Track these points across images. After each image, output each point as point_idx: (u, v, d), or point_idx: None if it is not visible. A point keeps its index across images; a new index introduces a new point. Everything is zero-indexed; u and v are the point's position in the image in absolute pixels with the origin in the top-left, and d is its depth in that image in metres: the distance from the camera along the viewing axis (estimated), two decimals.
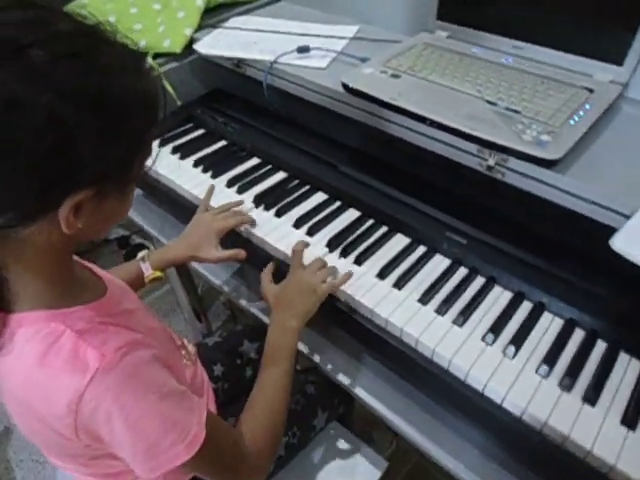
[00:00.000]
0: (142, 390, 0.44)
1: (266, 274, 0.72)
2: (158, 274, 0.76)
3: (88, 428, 0.43)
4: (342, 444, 0.80)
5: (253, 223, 0.80)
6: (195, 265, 0.90)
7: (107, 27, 0.42)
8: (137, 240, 1.91)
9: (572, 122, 0.68)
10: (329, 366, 0.77)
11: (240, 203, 0.82)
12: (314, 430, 0.79)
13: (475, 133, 0.67)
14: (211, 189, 0.83)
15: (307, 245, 0.73)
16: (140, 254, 0.78)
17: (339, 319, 0.73)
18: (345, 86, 0.80)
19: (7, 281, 0.43)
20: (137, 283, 0.75)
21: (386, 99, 0.74)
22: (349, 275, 0.70)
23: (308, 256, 0.73)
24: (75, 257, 0.54)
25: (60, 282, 0.46)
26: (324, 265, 0.70)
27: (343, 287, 0.69)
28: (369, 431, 1.17)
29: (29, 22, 0.36)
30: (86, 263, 0.56)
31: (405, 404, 0.71)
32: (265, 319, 0.85)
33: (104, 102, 0.38)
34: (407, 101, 0.73)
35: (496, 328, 0.64)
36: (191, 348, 0.70)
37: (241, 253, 0.74)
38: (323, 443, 0.80)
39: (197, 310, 1.48)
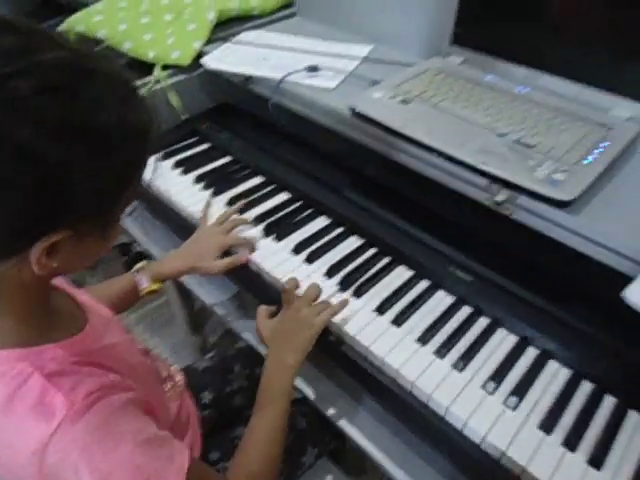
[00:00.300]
0: (112, 441, 0.41)
1: (262, 311, 0.69)
2: (154, 287, 0.73)
3: None
4: None
5: (253, 247, 0.77)
6: (191, 284, 0.88)
7: (96, 51, 0.40)
8: (138, 248, 1.89)
9: (587, 161, 0.65)
10: (321, 400, 0.74)
11: (245, 221, 0.80)
12: (302, 467, 0.75)
13: (485, 168, 0.64)
14: (207, 204, 0.81)
15: (298, 285, 0.70)
16: (137, 266, 0.75)
17: (333, 353, 0.70)
18: (353, 110, 0.77)
19: None
20: (132, 296, 0.73)
21: (394, 126, 0.72)
22: (344, 303, 0.67)
23: (306, 285, 0.70)
24: (58, 282, 0.51)
25: (31, 319, 0.43)
26: (318, 293, 0.68)
27: (340, 322, 0.66)
28: (362, 462, 1.13)
29: (10, 50, 0.34)
30: (69, 290, 0.54)
31: (400, 448, 0.67)
32: (258, 347, 0.82)
33: (87, 138, 0.36)
34: (416, 130, 0.71)
35: (498, 375, 0.60)
36: (179, 378, 0.67)
37: (242, 258, 0.73)
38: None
39: (192, 323, 1.45)
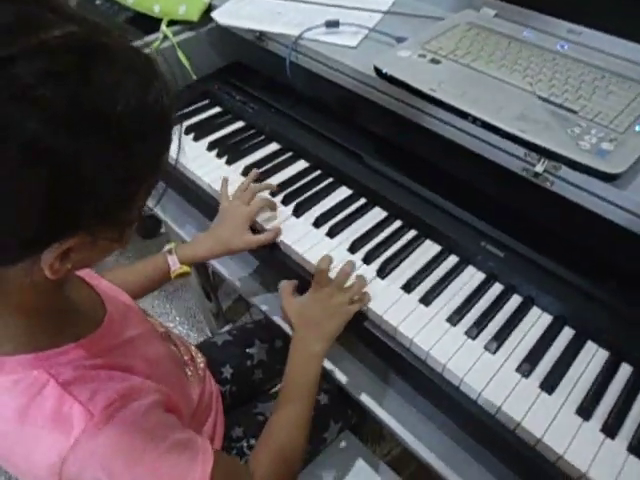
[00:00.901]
0: (135, 453, 0.39)
1: (286, 287, 0.66)
2: (186, 269, 0.70)
3: None
4: (353, 458, 0.76)
5: (274, 207, 0.74)
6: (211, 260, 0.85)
7: (108, 24, 0.33)
8: (149, 211, 1.86)
9: (638, 128, 0.59)
10: (343, 376, 0.72)
11: (264, 187, 0.76)
12: (324, 443, 0.75)
13: (525, 136, 0.59)
14: (225, 180, 0.77)
15: (332, 261, 0.66)
16: (166, 247, 0.72)
17: (355, 329, 0.67)
18: (378, 71, 0.71)
19: None
20: (163, 278, 0.70)
21: (425, 90, 0.66)
22: (362, 280, 0.64)
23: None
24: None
25: (45, 320, 0.40)
26: (350, 274, 0.64)
27: (367, 301, 0.63)
28: (378, 429, 1.14)
29: (9, 27, 0.29)
30: (91, 277, 0.50)
31: (426, 426, 0.66)
32: (278, 320, 0.80)
33: (103, 129, 0.31)
34: (448, 93, 0.65)
35: (532, 358, 0.57)
36: (200, 360, 0.65)
37: (276, 232, 0.70)
38: (333, 456, 0.76)
39: (207, 289, 1.44)
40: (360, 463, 0.75)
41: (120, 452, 0.38)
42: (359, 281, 0.64)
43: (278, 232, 0.71)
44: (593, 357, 0.58)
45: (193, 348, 0.67)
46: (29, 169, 0.29)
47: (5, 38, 0.28)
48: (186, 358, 0.61)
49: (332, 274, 0.65)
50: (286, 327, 0.77)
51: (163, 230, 1.82)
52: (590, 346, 0.59)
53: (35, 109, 0.28)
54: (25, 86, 0.28)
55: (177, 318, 1.62)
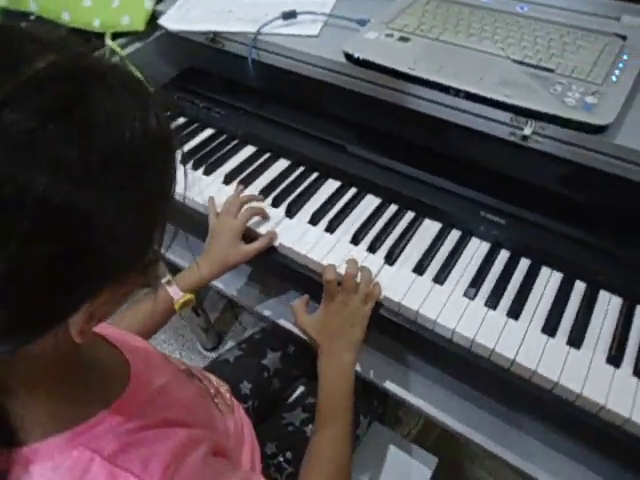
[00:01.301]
0: None
1: (299, 306, 0.64)
2: (189, 297, 0.66)
3: None
4: (387, 446, 0.75)
5: (264, 214, 0.72)
6: None
7: (83, 45, 0.29)
8: None
9: (614, 78, 0.61)
10: (363, 367, 0.71)
11: (250, 199, 0.73)
12: (358, 440, 0.74)
13: (512, 101, 0.59)
14: (211, 199, 0.74)
15: (337, 270, 0.63)
16: (164, 279, 0.68)
17: (375, 321, 0.66)
18: (349, 56, 0.70)
19: (8, 409, 0.32)
20: (167, 311, 0.66)
21: (403, 69, 0.65)
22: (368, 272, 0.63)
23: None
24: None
25: (73, 392, 0.36)
26: (356, 274, 0.63)
27: (382, 290, 0.62)
28: (396, 411, 1.15)
29: None
30: (102, 330, 0.45)
31: (454, 401, 0.67)
32: (284, 323, 0.79)
33: (115, 169, 0.27)
34: (427, 70, 0.64)
35: (553, 317, 0.58)
36: (225, 389, 0.62)
37: (271, 237, 0.68)
38: (369, 450, 0.75)
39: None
40: (394, 450, 0.75)
41: None
42: (365, 275, 0.63)
43: (273, 236, 0.69)
44: (609, 306, 0.60)
45: (213, 377, 0.64)
46: (37, 229, 0.24)
47: None
48: (212, 391, 0.58)
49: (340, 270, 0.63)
50: (295, 330, 0.76)
51: None
52: (604, 295, 0.61)
53: (41, 158, 0.24)
54: (24, 133, 0.24)
55: (165, 341, 1.57)
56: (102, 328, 0.46)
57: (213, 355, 1.49)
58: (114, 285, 0.29)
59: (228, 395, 0.62)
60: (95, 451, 0.33)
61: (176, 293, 0.64)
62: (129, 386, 0.40)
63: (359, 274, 0.62)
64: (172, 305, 0.64)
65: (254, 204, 0.73)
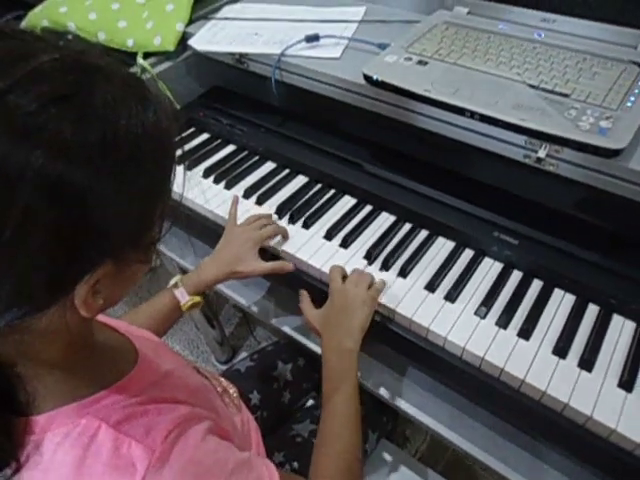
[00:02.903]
0: (204, 479, 0.38)
1: (305, 302, 0.66)
2: (197, 299, 0.68)
3: None
4: (395, 465, 0.75)
5: (286, 235, 0.73)
6: (221, 287, 0.83)
7: (95, 46, 0.33)
8: None
9: (629, 104, 0.62)
10: (373, 383, 0.72)
11: (269, 216, 0.75)
12: (366, 454, 0.74)
13: (527, 124, 0.61)
14: (236, 200, 0.76)
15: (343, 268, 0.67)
16: (172, 281, 0.70)
17: (383, 336, 0.67)
18: (368, 78, 0.72)
19: (22, 380, 0.36)
20: (174, 314, 0.68)
21: (419, 92, 0.67)
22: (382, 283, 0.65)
23: (349, 270, 0.67)
24: (100, 318, 0.46)
25: (81, 367, 0.39)
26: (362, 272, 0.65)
27: (392, 305, 0.63)
28: (403, 430, 1.14)
29: (5, 58, 0.28)
30: (111, 322, 0.49)
31: (463, 420, 0.66)
32: (297, 336, 0.80)
33: (112, 155, 0.30)
34: (443, 92, 0.66)
35: (565, 339, 0.58)
36: (232, 390, 0.64)
37: (288, 265, 0.68)
38: (376, 466, 0.75)
39: (208, 315, 1.41)
40: (404, 470, 0.75)
41: None
42: (369, 275, 0.64)
43: (288, 267, 0.69)
44: (622, 330, 0.60)
45: (223, 380, 0.65)
46: (39, 206, 0.27)
47: None
48: (219, 390, 0.59)
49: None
50: (307, 343, 0.77)
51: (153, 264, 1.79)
52: (617, 319, 0.61)
53: (42, 139, 0.27)
54: (28, 115, 0.27)
55: (180, 352, 1.59)
56: (113, 322, 0.49)
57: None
58: (115, 261, 0.32)
59: (236, 395, 0.64)
60: (102, 419, 0.36)
61: (183, 296, 0.67)
62: (136, 367, 0.43)
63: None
64: (179, 306, 0.67)
65: (279, 223, 0.74)
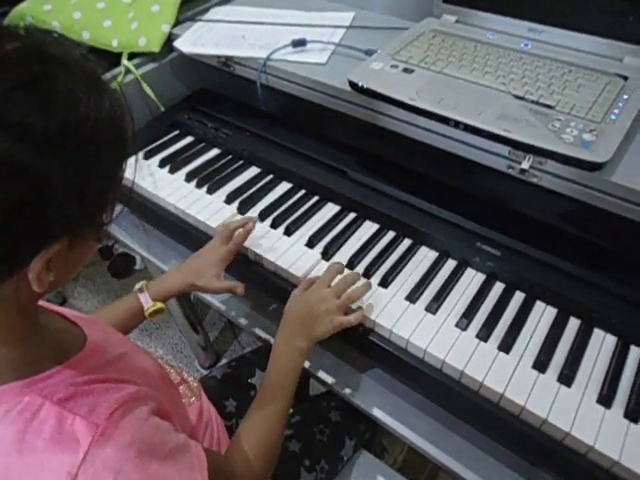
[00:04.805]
0: (145, 458, 0.37)
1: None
2: (160, 306, 0.68)
3: None
4: (373, 475, 0.74)
5: (251, 230, 0.70)
6: (200, 295, 0.82)
7: (55, 38, 0.35)
8: (120, 249, 1.80)
9: (613, 117, 0.62)
10: (350, 390, 0.70)
11: (253, 219, 0.72)
12: (342, 461, 0.72)
13: (511, 136, 0.60)
14: (219, 228, 0.74)
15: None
16: (137, 285, 0.70)
17: (362, 346, 0.66)
18: (353, 85, 0.71)
19: None
20: (138, 318, 0.68)
21: (405, 100, 0.66)
22: (367, 287, 0.63)
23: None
24: (43, 303, 0.46)
25: (28, 345, 0.39)
26: (348, 285, 0.63)
27: (373, 316, 0.62)
28: (380, 440, 1.12)
29: None
30: (57, 308, 0.48)
31: (443, 433, 0.65)
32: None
33: (71, 140, 0.32)
34: (428, 101, 0.66)
35: (546, 353, 0.58)
36: (193, 382, 0.63)
37: (239, 287, 0.67)
38: (353, 477, 0.74)
39: (192, 320, 1.39)
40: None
41: (130, 459, 0.36)
42: (354, 292, 0.62)
43: (239, 290, 0.68)
44: (603, 344, 0.59)
45: (184, 372, 0.65)
46: (6, 182, 0.29)
47: None
48: (177, 379, 0.59)
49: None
50: None
51: (138, 267, 1.77)
52: (598, 333, 0.60)
53: (4, 120, 0.29)
54: None
55: (162, 356, 1.57)
56: (59, 308, 0.50)
57: None
58: (70, 237, 0.34)
59: (195, 385, 0.64)
60: (46, 397, 0.36)
61: (147, 301, 0.67)
62: (84, 349, 0.43)
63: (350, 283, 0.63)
64: (143, 312, 0.67)
65: (241, 231, 0.70)
